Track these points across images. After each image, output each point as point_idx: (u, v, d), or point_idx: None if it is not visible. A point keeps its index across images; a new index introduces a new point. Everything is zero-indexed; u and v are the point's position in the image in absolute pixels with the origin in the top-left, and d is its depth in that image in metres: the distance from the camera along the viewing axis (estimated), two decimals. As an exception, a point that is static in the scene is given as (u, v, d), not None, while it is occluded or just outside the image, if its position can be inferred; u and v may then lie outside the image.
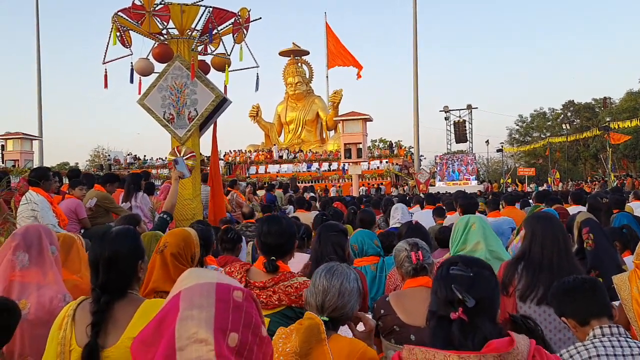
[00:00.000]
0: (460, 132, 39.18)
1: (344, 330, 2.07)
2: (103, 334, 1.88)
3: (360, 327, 2.09)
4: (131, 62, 7.45)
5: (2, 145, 27.37)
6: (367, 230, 3.99)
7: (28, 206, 5.04)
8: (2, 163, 26.19)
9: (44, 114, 31.54)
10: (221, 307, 1.08)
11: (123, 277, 2.00)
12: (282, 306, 2.42)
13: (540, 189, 25.83)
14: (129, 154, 39.16)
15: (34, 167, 18.13)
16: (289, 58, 38.29)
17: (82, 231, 5.82)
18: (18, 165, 24.81)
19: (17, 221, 5.04)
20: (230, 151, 36.81)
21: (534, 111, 58.80)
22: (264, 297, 2.43)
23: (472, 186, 29.09)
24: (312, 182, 28.71)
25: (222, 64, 7.82)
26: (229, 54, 7.88)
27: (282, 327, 2.05)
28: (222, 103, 7.58)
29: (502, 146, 46.67)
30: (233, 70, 7.94)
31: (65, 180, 7.88)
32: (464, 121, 39.26)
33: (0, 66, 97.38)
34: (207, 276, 1.14)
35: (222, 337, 1.05)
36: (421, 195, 14.48)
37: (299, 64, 38.40)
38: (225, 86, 7.76)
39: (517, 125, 59.68)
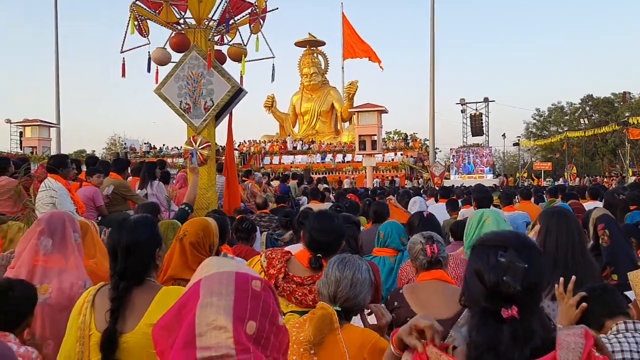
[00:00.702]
0: (477, 125, 38.73)
1: (356, 321, 2.08)
2: (121, 320, 1.92)
3: (372, 319, 2.10)
4: (148, 52, 7.52)
5: (21, 132, 27.79)
6: (399, 224, 3.93)
7: (47, 193, 5.11)
8: (21, 150, 26.59)
9: (61, 102, 31.94)
10: (240, 295, 1.10)
11: (141, 265, 2.03)
12: (313, 307, 2.41)
13: (557, 183, 25.64)
14: (145, 143, 39.41)
15: (52, 154, 18.38)
16: (305, 48, 38.06)
17: (99, 218, 5.90)
18: (36, 152, 25.17)
19: (36, 207, 5.13)
20: (244, 141, 36.80)
21: (552, 105, 57.85)
22: (300, 294, 2.39)
23: (488, 179, 28.87)
24: (325, 174, 28.67)
25: (239, 54, 7.85)
26: (245, 44, 7.90)
27: (295, 316, 2.07)
28: (237, 93, 7.62)
29: (518, 140, 46.11)
30: (249, 61, 7.99)
31: (83, 168, 7.99)
32: (481, 114, 38.78)
33: (18, 54, 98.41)
34: (227, 265, 1.17)
35: (241, 324, 1.08)
36: (436, 188, 14.44)
37: (315, 55, 38.13)
38: (242, 76, 7.81)
39: (534, 119, 58.87)
